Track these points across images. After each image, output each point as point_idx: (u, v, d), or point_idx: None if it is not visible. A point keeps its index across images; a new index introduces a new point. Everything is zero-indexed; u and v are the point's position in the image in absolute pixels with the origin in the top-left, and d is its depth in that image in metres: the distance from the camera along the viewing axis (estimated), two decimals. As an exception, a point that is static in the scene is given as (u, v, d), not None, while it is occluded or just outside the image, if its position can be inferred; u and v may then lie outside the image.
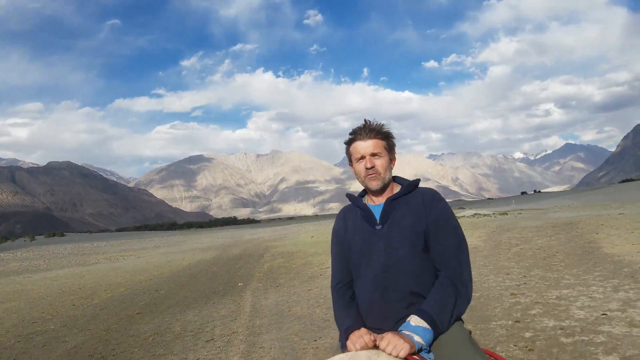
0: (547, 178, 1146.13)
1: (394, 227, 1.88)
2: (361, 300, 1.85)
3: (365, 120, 2.07)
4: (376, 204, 2.08)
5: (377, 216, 1.96)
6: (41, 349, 5.96)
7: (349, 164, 2.14)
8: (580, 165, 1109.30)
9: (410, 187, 2.05)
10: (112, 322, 7.40)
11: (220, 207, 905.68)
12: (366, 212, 2.05)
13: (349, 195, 2.21)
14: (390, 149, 2.08)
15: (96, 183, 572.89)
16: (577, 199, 46.94)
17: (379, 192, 2.06)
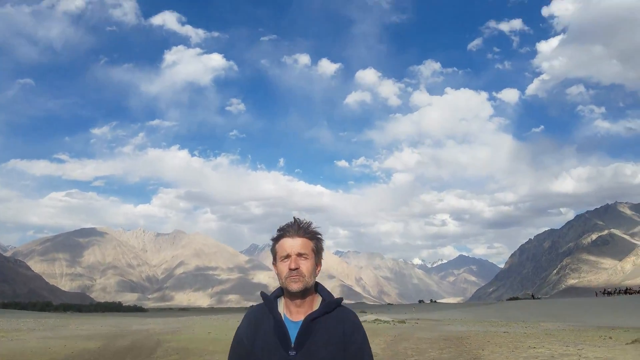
0: (443, 288, 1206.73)
1: (310, 359, 1.75)
2: None
3: (294, 217, 2.01)
4: (293, 319, 1.96)
5: (293, 337, 1.81)
6: None
7: (272, 263, 2.06)
8: (472, 278, 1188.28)
9: (332, 305, 1.96)
10: None
11: (104, 289, 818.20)
12: (281, 328, 1.91)
13: (264, 296, 2.06)
14: (317, 252, 2.02)
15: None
16: (469, 312, 49.58)
17: (298, 296, 1.96)
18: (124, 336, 24.09)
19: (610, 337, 14.70)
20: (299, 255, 1.94)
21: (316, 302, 2.00)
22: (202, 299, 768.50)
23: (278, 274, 1.99)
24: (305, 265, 1.94)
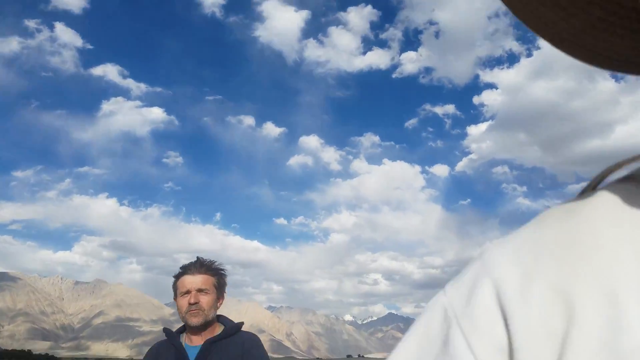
0: (371, 344, 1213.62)
1: None
2: None
3: (197, 257, 2.11)
4: (194, 344, 2.01)
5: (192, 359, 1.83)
6: None
7: (174, 298, 2.11)
8: (399, 334, 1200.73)
9: (232, 330, 2.02)
10: None
11: (12, 336, 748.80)
12: (181, 353, 1.97)
13: (166, 330, 2.16)
14: (219, 287, 2.10)
15: None
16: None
17: (199, 329, 2.02)
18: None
19: None
20: (199, 290, 2.00)
21: (217, 330, 2.08)
22: (121, 350, 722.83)
23: (179, 308, 2.03)
24: (205, 300, 2.00)
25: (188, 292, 2.00)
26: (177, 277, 2.09)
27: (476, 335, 0.44)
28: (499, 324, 0.43)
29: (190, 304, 1.97)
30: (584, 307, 0.43)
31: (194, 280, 2.01)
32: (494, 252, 0.44)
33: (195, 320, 1.97)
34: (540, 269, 0.44)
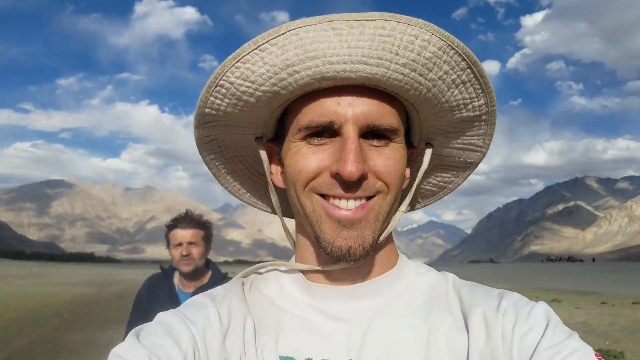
0: (410, 250, 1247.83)
1: None
2: None
3: (186, 210, 2.46)
4: (185, 290, 2.33)
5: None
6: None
7: (167, 247, 2.42)
8: (439, 241, 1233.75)
9: (218, 277, 2.39)
10: (42, 331, 8.96)
11: (73, 239, 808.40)
12: (174, 296, 2.30)
13: (163, 269, 2.51)
14: (207, 239, 2.42)
15: None
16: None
17: (190, 276, 2.35)
18: (111, 284, 25.89)
19: (560, 301, 16.25)
20: (190, 243, 2.32)
21: (206, 277, 2.42)
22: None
23: (172, 258, 2.35)
24: (195, 251, 2.32)
25: (180, 244, 2.31)
26: (170, 228, 2.40)
27: None
28: None
29: (182, 255, 2.28)
30: None
31: (185, 234, 2.31)
32: None
33: (186, 268, 2.29)
34: None
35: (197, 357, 0.57)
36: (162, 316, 0.62)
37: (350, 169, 0.57)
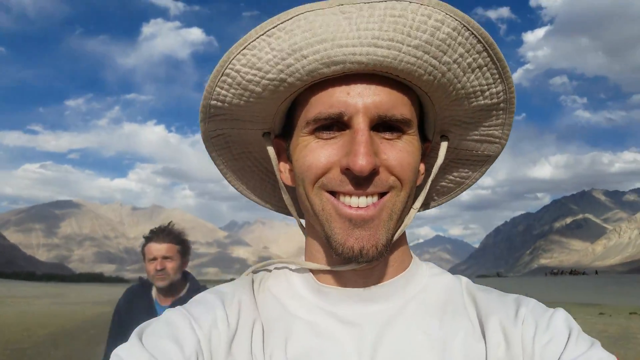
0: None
1: None
2: None
3: (161, 225, 2.43)
4: (162, 304, 2.32)
5: None
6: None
7: (143, 261, 2.40)
8: (447, 256, 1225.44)
9: (195, 289, 2.31)
10: (75, 345, 9.59)
11: (82, 259, 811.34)
12: (152, 308, 2.29)
13: (141, 280, 2.48)
14: (184, 253, 2.40)
15: None
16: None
17: (165, 291, 2.33)
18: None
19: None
20: (165, 258, 2.29)
21: (184, 289, 2.38)
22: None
23: (147, 272, 2.34)
24: (170, 265, 2.30)
25: (154, 258, 2.28)
26: (146, 242, 2.39)
27: None
28: None
29: (157, 270, 2.26)
30: None
31: (159, 248, 2.29)
32: None
33: (161, 283, 2.28)
34: None
35: None
36: (169, 314, 0.61)
37: (361, 162, 0.54)
